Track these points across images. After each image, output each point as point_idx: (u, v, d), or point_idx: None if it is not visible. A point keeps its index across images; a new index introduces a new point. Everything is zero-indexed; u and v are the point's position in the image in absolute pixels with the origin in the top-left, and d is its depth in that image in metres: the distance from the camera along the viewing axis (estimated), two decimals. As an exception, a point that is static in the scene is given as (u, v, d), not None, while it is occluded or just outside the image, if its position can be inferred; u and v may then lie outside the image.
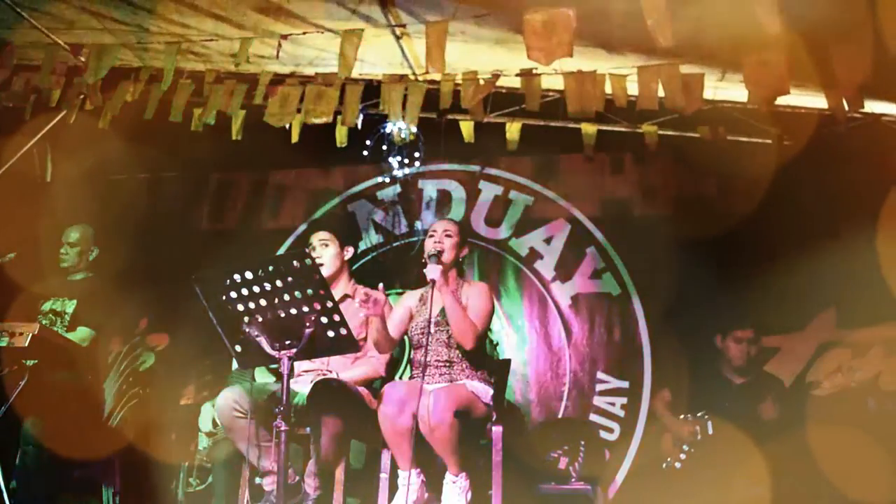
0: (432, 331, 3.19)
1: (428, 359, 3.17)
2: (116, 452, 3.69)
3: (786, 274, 4.23)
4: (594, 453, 4.28)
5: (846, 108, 3.59)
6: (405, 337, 3.36)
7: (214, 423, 3.90)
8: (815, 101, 4.03)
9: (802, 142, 4.40)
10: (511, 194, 5.04)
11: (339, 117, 4.13)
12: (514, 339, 4.77)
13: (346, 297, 3.36)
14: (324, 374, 3.18)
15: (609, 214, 4.90)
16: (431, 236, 3.30)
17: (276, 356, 2.47)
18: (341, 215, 5.15)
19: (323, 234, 3.43)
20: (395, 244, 5.08)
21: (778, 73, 3.26)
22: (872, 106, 3.97)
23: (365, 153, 5.01)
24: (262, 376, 3.71)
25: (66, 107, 4.24)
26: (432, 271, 3.06)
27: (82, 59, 3.96)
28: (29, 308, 3.67)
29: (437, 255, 3.15)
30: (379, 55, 4.01)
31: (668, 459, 3.81)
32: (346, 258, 3.45)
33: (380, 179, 5.18)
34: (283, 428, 2.42)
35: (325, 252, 3.38)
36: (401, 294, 3.63)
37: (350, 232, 3.58)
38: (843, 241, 4.31)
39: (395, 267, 5.02)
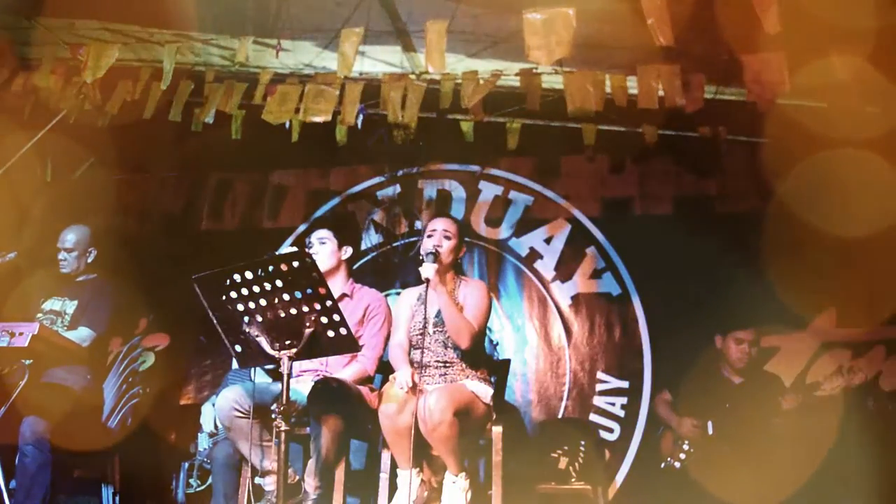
0: (431, 331, 3.19)
1: (426, 359, 3.17)
2: (116, 452, 3.69)
3: (786, 274, 4.23)
4: (594, 453, 4.27)
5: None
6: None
7: (216, 424, 3.90)
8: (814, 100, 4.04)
9: (802, 140, 4.40)
10: (511, 194, 5.04)
11: (338, 117, 4.13)
12: (514, 339, 4.76)
13: (343, 296, 3.36)
14: (322, 375, 3.18)
15: (609, 214, 4.90)
16: (430, 236, 3.29)
17: (276, 356, 2.47)
18: (341, 215, 5.15)
19: (322, 232, 3.45)
20: (395, 244, 5.08)
21: (778, 74, 3.26)
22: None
23: (365, 153, 5.01)
24: (262, 376, 3.71)
25: (66, 107, 4.23)
26: (427, 270, 3.06)
27: (81, 58, 3.96)
28: (29, 308, 3.67)
29: (435, 255, 3.15)
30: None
31: (668, 459, 3.81)
32: (344, 257, 3.45)
33: (380, 179, 5.18)
34: (283, 428, 2.42)
35: (322, 249, 3.39)
36: (400, 294, 3.63)
37: (350, 231, 3.57)
38: (844, 240, 4.31)
39: (395, 267, 5.02)
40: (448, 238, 3.26)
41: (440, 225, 3.31)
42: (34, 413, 3.18)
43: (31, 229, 5.30)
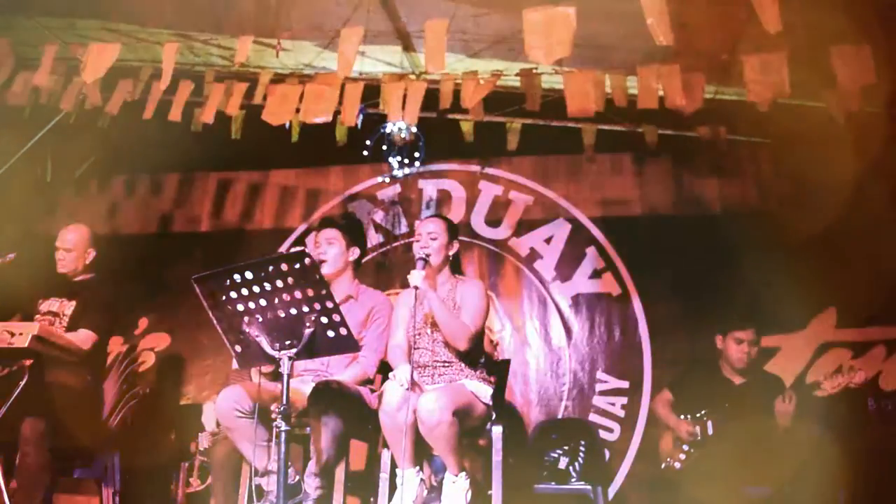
0: (429, 331, 3.18)
1: (426, 359, 3.17)
2: (116, 452, 3.69)
3: (786, 274, 4.24)
4: (594, 453, 4.27)
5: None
6: None
7: (218, 423, 3.91)
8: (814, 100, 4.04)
9: (802, 140, 4.41)
10: (511, 194, 5.04)
11: (338, 117, 4.13)
12: (515, 339, 4.77)
13: (349, 297, 3.35)
14: (322, 375, 3.18)
15: (609, 214, 4.90)
16: (417, 240, 3.26)
17: (276, 356, 2.47)
18: (348, 215, 5.15)
19: (330, 232, 3.42)
20: (395, 244, 5.08)
21: (778, 74, 3.26)
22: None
23: (365, 153, 5.01)
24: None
25: (66, 107, 4.23)
26: (415, 278, 3.01)
27: (81, 58, 3.96)
28: (28, 308, 3.67)
29: (425, 260, 3.12)
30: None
31: (668, 459, 3.81)
32: (352, 259, 3.43)
33: (380, 179, 5.18)
34: (283, 428, 2.42)
35: (330, 250, 3.37)
36: (399, 295, 3.62)
37: (357, 233, 3.55)
38: (844, 240, 4.31)
39: (395, 267, 5.02)
40: (434, 239, 3.22)
41: (424, 228, 3.27)
42: (34, 413, 3.18)
43: (31, 229, 5.30)
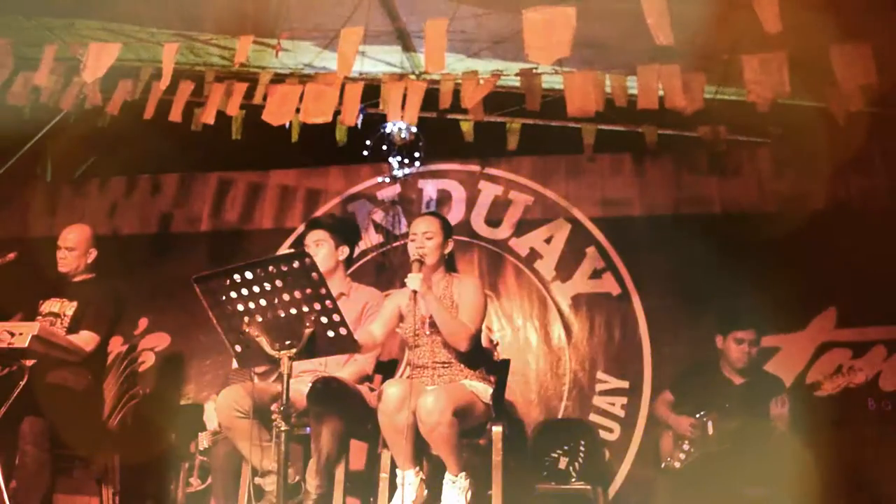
0: (428, 332, 3.17)
1: (424, 360, 3.16)
2: (116, 452, 3.69)
3: (786, 274, 4.24)
4: (594, 453, 4.27)
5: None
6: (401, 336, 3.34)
7: (219, 423, 3.91)
8: (814, 100, 4.04)
9: (802, 140, 4.41)
10: (511, 194, 5.04)
11: (338, 117, 4.13)
12: (514, 339, 4.76)
13: (341, 294, 3.36)
14: (320, 375, 3.18)
15: (609, 214, 4.89)
16: (413, 240, 3.21)
17: (276, 356, 2.47)
18: (341, 215, 5.15)
19: (318, 234, 3.44)
20: (395, 244, 5.08)
21: (778, 74, 3.27)
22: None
23: (365, 153, 5.01)
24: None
25: (66, 107, 4.24)
26: (413, 281, 2.97)
27: (81, 58, 3.96)
28: (28, 309, 3.67)
29: (420, 262, 3.11)
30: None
31: (668, 459, 3.81)
32: (341, 258, 3.45)
33: (380, 179, 5.18)
34: (283, 428, 2.42)
35: (319, 251, 3.38)
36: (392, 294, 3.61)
37: (348, 232, 3.56)
38: (844, 240, 4.32)
39: (395, 267, 5.02)
40: (430, 239, 3.18)
41: (419, 228, 3.21)
42: (34, 413, 3.18)
43: (31, 229, 5.31)
